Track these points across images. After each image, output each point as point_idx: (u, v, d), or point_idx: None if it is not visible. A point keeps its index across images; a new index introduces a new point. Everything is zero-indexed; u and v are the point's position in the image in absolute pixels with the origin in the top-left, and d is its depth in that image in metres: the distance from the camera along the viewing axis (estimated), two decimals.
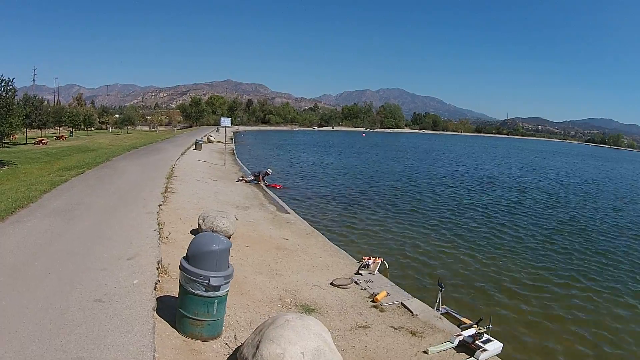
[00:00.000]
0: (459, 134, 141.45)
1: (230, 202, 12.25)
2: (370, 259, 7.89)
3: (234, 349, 4.17)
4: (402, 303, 6.22)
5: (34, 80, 75.91)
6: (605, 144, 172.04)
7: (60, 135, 46.10)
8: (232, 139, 43.20)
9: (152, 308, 4.36)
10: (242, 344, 3.91)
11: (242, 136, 57.58)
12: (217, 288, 4.03)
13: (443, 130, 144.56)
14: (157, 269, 5.43)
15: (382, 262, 7.89)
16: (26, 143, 37.58)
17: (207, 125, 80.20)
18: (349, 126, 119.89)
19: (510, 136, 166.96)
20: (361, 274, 7.29)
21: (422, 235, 11.18)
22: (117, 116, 74.26)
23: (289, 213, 11.97)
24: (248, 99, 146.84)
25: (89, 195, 9.93)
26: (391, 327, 5.50)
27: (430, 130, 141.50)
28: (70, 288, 4.66)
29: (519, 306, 7.23)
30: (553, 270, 9.20)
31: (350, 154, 38.73)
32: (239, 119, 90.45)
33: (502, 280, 8.38)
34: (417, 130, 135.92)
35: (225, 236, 5.83)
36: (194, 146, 28.02)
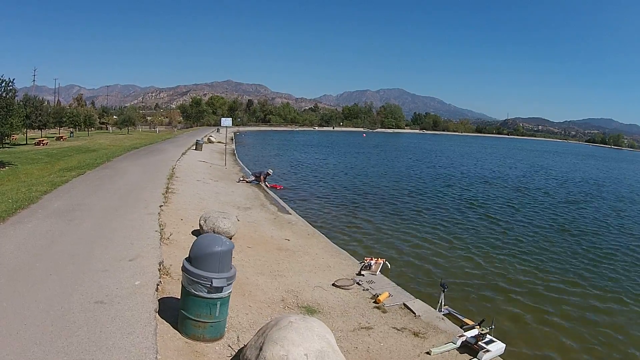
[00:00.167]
0: (460, 134, 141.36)
1: (231, 202, 12.23)
2: (372, 260, 7.87)
3: (236, 351, 4.15)
4: (404, 304, 6.20)
5: (34, 80, 76.10)
6: (606, 144, 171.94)
7: (61, 135, 46.12)
8: (232, 139, 43.18)
9: (154, 309, 4.33)
10: (245, 346, 3.88)
11: (243, 136, 57.58)
12: (219, 289, 4.01)
13: (443, 131, 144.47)
14: (159, 270, 5.41)
15: (384, 263, 7.88)
16: (27, 143, 37.59)
17: (207, 125, 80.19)
18: (350, 126, 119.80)
19: (511, 136, 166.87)
20: (363, 275, 7.28)
21: (424, 236, 11.15)
22: (115, 117, 74.15)
23: (290, 214, 11.95)
24: (248, 100, 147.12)
25: (89, 196, 9.91)
26: (394, 328, 5.48)
27: (430, 130, 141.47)
28: (72, 290, 4.64)
29: (521, 307, 7.20)
30: (555, 271, 9.18)
31: (351, 155, 38.70)
32: (239, 120, 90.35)
33: (504, 281, 8.36)
34: (417, 131, 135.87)
35: (227, 237, 5.81)
36: (195, 147, 28.02)
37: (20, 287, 4.64)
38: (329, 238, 9.79)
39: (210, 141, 36.37)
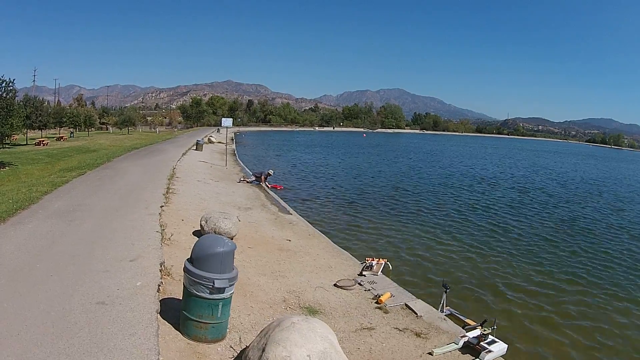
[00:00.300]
0: (460, 134, 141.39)
1: (232, 203, 12.21)
2: (373, 260, 7.85)
3: (238, 352, 4.13)
4: (406, 304, 6.18)
5: (34, 81, 76.27)
6: (606, 144, 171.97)
7: (61, 136, 46.10)
8: (232, 139, 43.17)
9: (155, 310, 4.31)
10: (247, 347, 3.87)
11: (243, 137, 57.54)
12: (221, 290, 3.99)
13: (443, 131, 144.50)
14: (160, 270, 5.39)
15: (385, 263, 7.85)
16: (27, 144, 37.59)
17: (207, 125, 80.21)
18: (350, 126, 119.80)
19: (511, 136, 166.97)
20: (365, 275, 7.25)
21: (426, 236, 11.14)
22: (115, 118, 74.11)
23: (291, 214, 11.93)
24: (248, 100, 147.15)
25: (90, 197, 9.89)
26: (396, 328, 5.46)
27: (430, 130, 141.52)
28: (73, 290, 4.62)
29: (523, 307, 7.18)
30: (557, 271, 9.16)
31: (351, 155, 38.69)
32: (239, 120, 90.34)
33: (506, 281, 8.34)
34: (417, 131, 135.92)
35: (228, 237, 5.79)
36: (195, 147, 28.01)
37: (20, 287, 4.62)
38: (329, 238, 9.77)
39: (210, 141, 36.35)
